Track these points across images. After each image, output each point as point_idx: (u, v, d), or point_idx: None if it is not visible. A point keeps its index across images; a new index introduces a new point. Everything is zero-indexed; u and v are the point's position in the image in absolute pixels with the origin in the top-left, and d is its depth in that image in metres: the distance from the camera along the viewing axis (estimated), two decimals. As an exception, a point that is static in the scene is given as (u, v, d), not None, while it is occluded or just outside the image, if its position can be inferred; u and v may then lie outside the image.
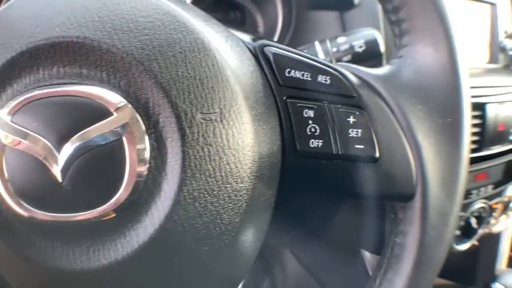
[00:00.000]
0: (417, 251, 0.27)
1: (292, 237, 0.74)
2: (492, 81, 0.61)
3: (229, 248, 0.22)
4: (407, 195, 0.27)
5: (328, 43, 0.44)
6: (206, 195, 0.19)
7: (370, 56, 0.43)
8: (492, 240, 0.79)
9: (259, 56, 0.25)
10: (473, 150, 0.59)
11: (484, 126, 0.58)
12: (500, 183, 0.68)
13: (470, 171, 0.62)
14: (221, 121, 0.20)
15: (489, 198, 0.68)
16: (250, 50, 0.25)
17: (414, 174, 0.27)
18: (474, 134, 0.58)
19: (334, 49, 0.43)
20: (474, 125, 0.58)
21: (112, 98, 0.18)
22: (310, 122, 0.24)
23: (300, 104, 0.24)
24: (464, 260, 0.82)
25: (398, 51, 0.31)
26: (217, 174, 0.20)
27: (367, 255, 0.67)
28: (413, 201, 0.27)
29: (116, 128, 0.18)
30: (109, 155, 0.18)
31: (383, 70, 0.30)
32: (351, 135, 0.25)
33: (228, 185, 0.20)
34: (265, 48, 0.25)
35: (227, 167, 0.20)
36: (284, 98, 0.24)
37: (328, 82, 0.26)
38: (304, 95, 0.25)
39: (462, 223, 0.65)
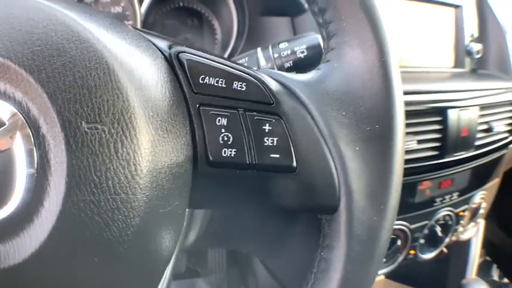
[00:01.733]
0: (343, 267, 0.25)
1: (256, 246, 0.72)
2: (456, 85, 0.60)
3: (123, 261, 0.21)
4: (330, 207, 0.25)
5: (270, 49, 0.42)
6: (92, 206, 0.19)
7: (312, 61, 0.41)
8: (462, 248, 0.77)
9: (174, 62, 0.24)
10: (435, 157, 0.57)
11: (446, 132, 0.56)
12: (466, 191, 0.66)
13: (434, 178, 0.61)
14: (109, 131, 0.19)
15: (455, 205, 0.66)
16: (165, 57, 0.24)
17: (337, 185, 0.25)
18: (435, 140, 0.56)
19: (276, 55, 0.42)
20: (435, 131, 0.56)
21: (4, 108, 0.19)
22: (223, 130, 0.23)
23: (213, 112, 0.23)
24: (435, 268, 0.81)
25: (326, 54, 0.29)
26: (104, 185, 0.19)
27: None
28: (337, 214, 0.25)
29: (7, 137, 0.18)
30: (0, 164, 0.19)
31: (308, 76, 0.28)
32: (266, 144, 0.24)
33: (117, 197, 0.19)
34: (180, 55, 0.24)
35: (115, 178, 0.19)
36: (197, 105, 0.23)
37: (244, 89, 0.24)
38: (218, 103, 0.23)
39: (427, 231, 0.64)
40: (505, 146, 0.69)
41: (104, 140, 0.19)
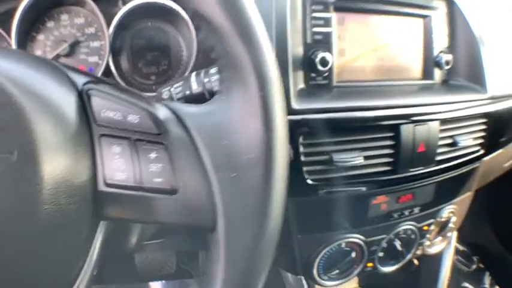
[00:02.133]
0: (222, 283, 0.29)
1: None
2: (415, 100, 0.59)
3: (31, 276, 0.26)
4: (208, 227, 0.29)
5: (202, 74, 0.44)
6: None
7: None
8: (433, 261, 0.76)
9: (84, 97, 0.28)
10: (388, 172, 0.57)
11: (399, 148, 0.56)
12: (430, 205, 0.65)
13: (391, 193, 0.60)
14: (17, 159, 0.23)
15: (418, 220, 0.65)
16: (78, 92, 0.29)
17: (214, 207, 0.28)
18: (387, 155, 0.56)
19: (206, 79, 0.44)
20: (387, 146, 0.56)
21: None
22: (117, 157, 0.28)
23: (110, 141, 0.28)
24: (406, 280, 0.80)
25: (220, 86, 0.31)
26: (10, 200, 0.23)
27: (285, 274, 0.66)
28: (216, 233, 0.28)
29: None
30: None
31: (199, 107, 0.31)
32: (151, 170, 0.28)
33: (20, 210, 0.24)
34: (90, 91, 0.29)
35: (17, 199, 0.23)
36: (98, 135, 0.28)
37: (137, 121, 0.28)
38: (115, 133, 0.28)
39: (385, 245, 0.63)
40: (475, 160, 0.67)
41: (4, 167, 0.23)
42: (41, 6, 0.53)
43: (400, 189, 0.61)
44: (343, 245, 0.60)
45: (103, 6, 0.54)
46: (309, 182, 0.53)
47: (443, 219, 0.69)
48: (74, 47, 0.55)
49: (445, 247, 0.74)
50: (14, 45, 0.51)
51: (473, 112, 0.64)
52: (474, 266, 1.14)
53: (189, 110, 0.30)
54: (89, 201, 0.27)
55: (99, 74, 0.55)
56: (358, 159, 0.52)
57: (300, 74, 0.55)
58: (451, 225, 0.70)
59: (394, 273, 0.71)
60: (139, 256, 1.03)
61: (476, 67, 0.67)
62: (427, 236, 0.68)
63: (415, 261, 0.78)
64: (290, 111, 0.49)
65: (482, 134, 0.67)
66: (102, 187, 0.27)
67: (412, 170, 0.58)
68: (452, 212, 0.70)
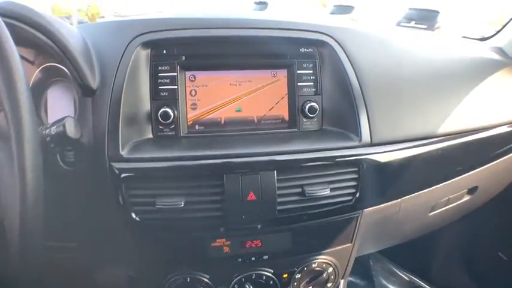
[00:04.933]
0: None
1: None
2: (261, 148, 0.61)
3: None
4: None
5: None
6: None
7: (61, 141, 0.53)
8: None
9: None
10: (218, 218, 0.60)
11: (225, 196, 0.59)
12: (287, 253, 0.65)
13: (234, 237, 0.64)
14: None
15: (276, 266, 0.66)
16: None
17: None
18: (215, 201, 0.59)
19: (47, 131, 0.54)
20: (215, 194, 0.59)
21: None
22: None
23: None
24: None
25: None
26: None
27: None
28: None
29: None
30: None
31: None
32: None
33: None
34: None
35: None
36: None
37: None
38: None
39: (236, 286, 0.65)
40: (342, 211, 0.64)
41: None
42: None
43: (244, 235, 0.63)
44: (188, 280, 0.64)
45: None
46: (137, 219, 0.60)
47: (311, 269, 0.67)
48: None
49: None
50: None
51: (333, 160, 0.62)
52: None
53: None
54: None
55: None
56: (179, 204, 0.58)
57: (147, 126, 0.64)
58: (327, 276, 0.67)
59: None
60: None
61: (348, 113, 0.65)
62: (295, 284, 0.67)
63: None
64: (118, 158, 0.58)
65: (352, 183, 0.65)
66: None
67: (245, 218, 0.60)
68: (326, 263, 0.67)
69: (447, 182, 0.80)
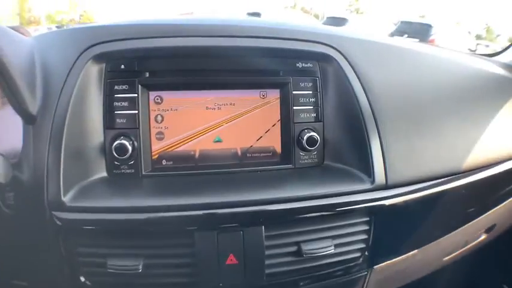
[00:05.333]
0: None
1: None
2: (247, 195, 0.46)
3: None
4: None
5: None
6: None
7: None
8: None
9: None
10: (189, 285, 0.45)
11: (198, 258, 0.44)
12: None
13: None
14: None
15: None
16: None
17: None
18: (183, 265, 0.45)
19: None
20: (181, 255, 0.45)
21: None
22: None
23: None
24: None
25: None
26: None
27: None
28: None
29: None
30: None
31: None
32: None
33: None
34: None
35: None
36: None
37: None
38: None
39: None
40: (349, 271, 0.50)
41: None
42: None
43: None
44: None
45: None
46: (88, 283, 0.46)
47: None
48: None
49: None
50: None
51: (339, 209, 0.48)
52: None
53: None
54: None
55: None
56: (136, 269, 0.43)
57: (100, 162, 0.49)
58: None
59: None
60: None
61: (356, 145, 0.52)
62: None
63: None
64: (60, 206, 0.44)
65: (362, 237, 0.51)
66: None
67: (222, 287, 0.45)
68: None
69: (468, 224, 0.66)
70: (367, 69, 0.54)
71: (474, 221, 0.67)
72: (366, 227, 0.51)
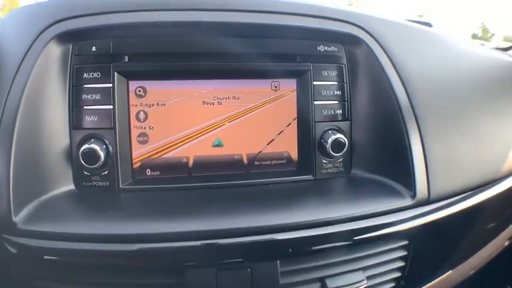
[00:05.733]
0: None
1: None
2: (254, 219, 0.35)
3: None
4: None
5: None
6: None
7: None
8: None
9: None
10: None
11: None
12: None
13: None
14: None
15: None
16: None
17: None
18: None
19: None
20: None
21: None
22: None
23: None
24: None
25: None
26: None
27: None
28: None
29: None
30: None
31: None
32: None
33: None
34: None
35: None
36: None
37: None
38: None
39: None
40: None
41: None
42: None
43: None
44: None
45: None
46: None
47: None
48: None
49: None
50: None
51: (374, 234, 0.37)
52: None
53: None
54: None
55: None
56: None
57: (66, 172, 0.38)
58: None
59: None
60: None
61: (392, 149, 0.41)
62: None
63: None
64: (10, 229, 0.33)
65: (399, 264, 0.40)
66: None
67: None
68: None
69: (503, 233, 0.58)
70: (403, 56, 0.43)
71: (508, 228, 0.58)
72: (403, 253, 0.41)
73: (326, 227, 0.36)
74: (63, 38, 0.38)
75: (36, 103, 0.36)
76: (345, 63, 0.43)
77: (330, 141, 0.40)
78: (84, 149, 0.37)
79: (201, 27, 0.39)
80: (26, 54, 0.37)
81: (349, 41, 0.43)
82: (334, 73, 0.43)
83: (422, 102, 0.43)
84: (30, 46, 0.37)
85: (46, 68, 0.37)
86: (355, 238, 0.38)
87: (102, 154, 0.37)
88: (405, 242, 0.41)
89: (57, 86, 0.38)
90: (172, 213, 0.36)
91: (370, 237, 0.38)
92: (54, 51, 0.38)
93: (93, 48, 0.39)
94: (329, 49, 0.43)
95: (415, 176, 0.40)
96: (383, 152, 0.42)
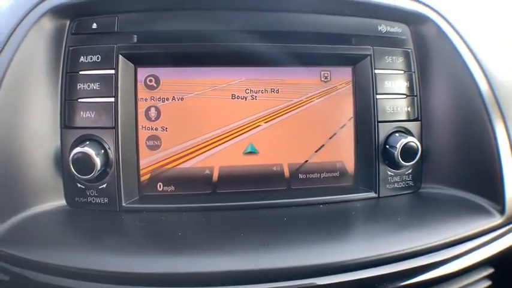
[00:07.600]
0: None
1: None
2: (313, 257, 0.26)
3: None
4: None
5: None
6: None
7: None
8: None
9: None
10: None
11: None
12: None
13: None
14: None
15: None
16: None
17: None
18: None
19: None
20: None
21: None
22: None
23: None
24: None
25: None
26: None
27: None
28: None
29: None
30: None
31: None
32: None
33: None
34: None
35: None
36: None
37: None
38: None
39: None
40: None
41: None
42: None
43: None
44: None
45: None
46: None
47: None
48: None
49: None
50: None
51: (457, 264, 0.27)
52: None
53: None
54: None
55: None
56: None
57: (56, 183, 0.30)
58: None
59: None
60: None
61: (475, 158, 0.31)
62: None
63: None
64: None
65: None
66: None
67: None
68: None
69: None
70: (480, 42, 0.34)
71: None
72: (487, 283, 0.30)
73: (396, 264, 0.26)
74: (60, 12, 0.31)
75: (19, 92, 0.29)
76: (412, 47, 0.34)
77: (399, 146, 0.31)
78: (75, 154, 0.28)
79: (238, 2, 0.30)
80: (13, 31, 0.29)
81: (415, 20, 0.34)
82: (400, 59, 0.33)
83: (509, 100, 0.33)
84: (19, 22, 0.29)
85: (35, 49, 0.31)
86: (432, 273, 0.28)
87: (98, 161, 0.28)
88: (490, 271, 0.30)
89: (47, 72, 0.31)
90: (189, 244, 0.26)
91: (452, 272, 0.28)
92: (48, 28, 0.31)
93: (94, 26, 0.31)
94: (392, 29, 0.34)
95: (505, 188, 0.31)
96: (461, 160, 0.33)
